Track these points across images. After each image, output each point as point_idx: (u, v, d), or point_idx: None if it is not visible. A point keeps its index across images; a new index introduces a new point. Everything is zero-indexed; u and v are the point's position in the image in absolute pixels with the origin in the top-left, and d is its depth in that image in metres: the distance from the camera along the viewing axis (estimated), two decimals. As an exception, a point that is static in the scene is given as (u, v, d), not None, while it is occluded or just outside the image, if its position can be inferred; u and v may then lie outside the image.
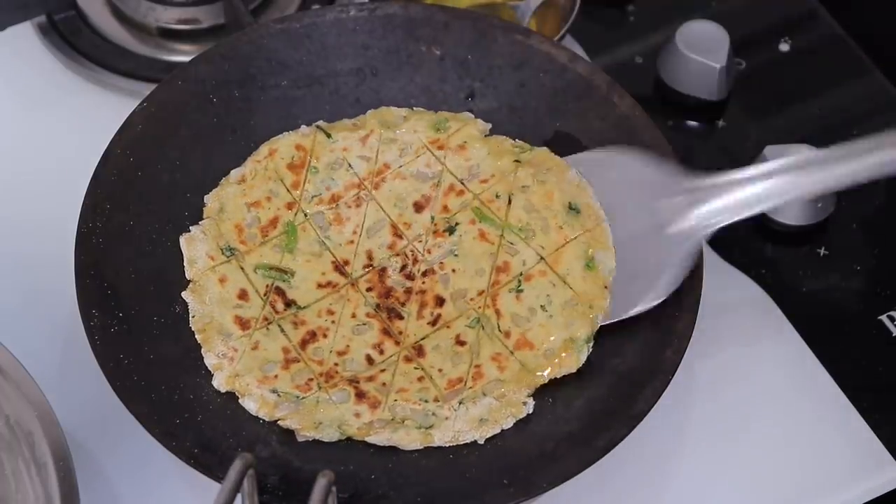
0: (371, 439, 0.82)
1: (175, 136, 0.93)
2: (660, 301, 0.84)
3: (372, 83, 0.97)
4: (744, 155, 1.02)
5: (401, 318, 0.87)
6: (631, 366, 0.84)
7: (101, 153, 0.90)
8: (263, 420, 0.84)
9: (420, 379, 0.85)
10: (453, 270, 0.89)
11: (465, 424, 0.83)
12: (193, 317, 0.87)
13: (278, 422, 0.83)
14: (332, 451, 0.83)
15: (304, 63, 0.96)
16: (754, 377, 0.93)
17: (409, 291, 0.88)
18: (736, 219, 0.86)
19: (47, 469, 0.78)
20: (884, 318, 0.96)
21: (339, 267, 0.90)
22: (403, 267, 0.89)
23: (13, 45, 1.09)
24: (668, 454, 0.89)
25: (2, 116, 1.05)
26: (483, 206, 0.91)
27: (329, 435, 0.83)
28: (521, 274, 0.88)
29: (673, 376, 0.82)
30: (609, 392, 0.84)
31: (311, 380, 0.85)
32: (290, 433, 0.83)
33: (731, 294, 0.96)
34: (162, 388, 0.83)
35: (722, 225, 0.85)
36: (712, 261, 0.97)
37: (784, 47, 1.11)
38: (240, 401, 0.84)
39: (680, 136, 1.05)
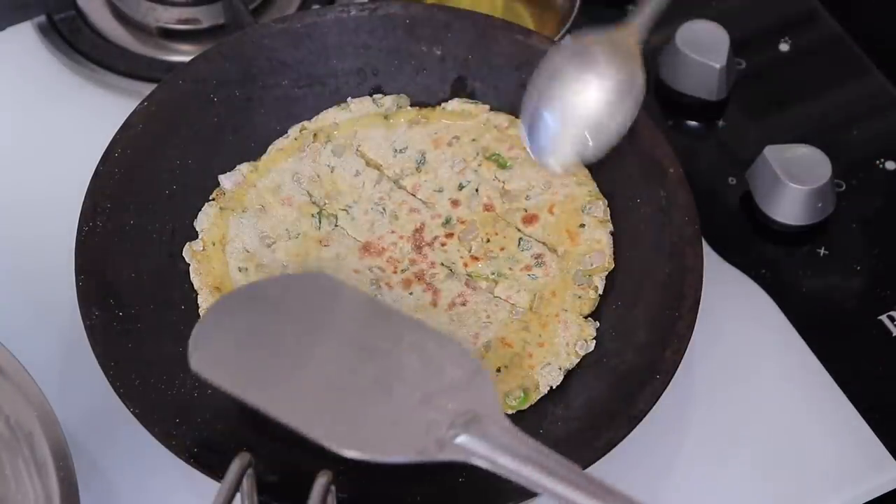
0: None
1: (175, 135, 0.93)
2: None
3: (372, 83, 0.97)
4: (744, 155, 1.02)
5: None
6: (631, 366, 0.84)
7: (101, 153, 0.90)
8: (262, 419, 0.84)
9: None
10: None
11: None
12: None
13: None
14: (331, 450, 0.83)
15: (305, 63, 0.96)
16: (754, 377, 0.93)
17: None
18: None
19: (47, 469, 0.78)
20: (884, 318, 0.96)
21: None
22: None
23: (13, 45, 1.09)
24: (668, 454, 0.89)
25: (2, 116, 1.05)
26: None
27: None
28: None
29: (673, 376, 0.82)
30: (609, 392, 0.84)
31: None
32: (289, 432, 0.83)
33: (731, 294, 0.96)
34: (162, 388, 0.83)
35: None
36: (712, 261, 0.97)
37: (784, 47, 1.11)
38: None
39: (680, 136, 1.05)
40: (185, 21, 1.08)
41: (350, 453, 0.74)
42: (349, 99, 0.96)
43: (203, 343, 0.79)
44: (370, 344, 0.79)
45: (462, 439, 0.73)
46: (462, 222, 0.92)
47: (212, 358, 0.78)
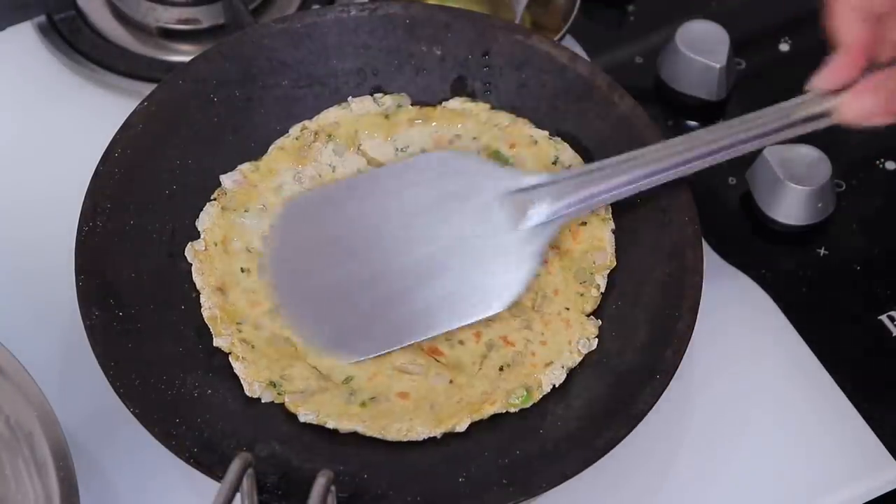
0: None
1: (175, 135, 0.93)
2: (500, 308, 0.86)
3: (372, 83, 0.97)
4: (744, 155, 1.02)
5: None
6: (631, 366, 0.84)
7: (101, 153, 0.90)
8: (262, 420, 0.84)
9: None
10: None
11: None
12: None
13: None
14: (331, 450, 0.83)
15: (305, 63, 0.96)
16: (754, 377, 0.93)
17: None
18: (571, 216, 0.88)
19: (47, 469, 0.78)
20: (884, 318, 0.96)
21: None
22: None
23: (13, 45, 1.09)
24: (668, 454, 0.89)
25: (2, 116, 1.05)
26: None
27: None
28: None
29: (673, 376, 0.82)
30: (609, 392, 0.84)
31: None
32: (289, 432, 0.84)
33: (731, 294, 0.96)
34: (162, 388, 0.83)
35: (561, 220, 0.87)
36: (712, 261, 0.97)
37: (784, 47, 1.11)
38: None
39: (680, 137, 1.05)
40: (185, 21, 1.08)
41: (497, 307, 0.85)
42: (350, 98, 0.96)
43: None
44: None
45: (536, 210, 0.86)
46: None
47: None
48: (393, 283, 0.87)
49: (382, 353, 0.86)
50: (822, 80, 0.79)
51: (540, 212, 0.86)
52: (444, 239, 0.87)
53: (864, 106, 0.78)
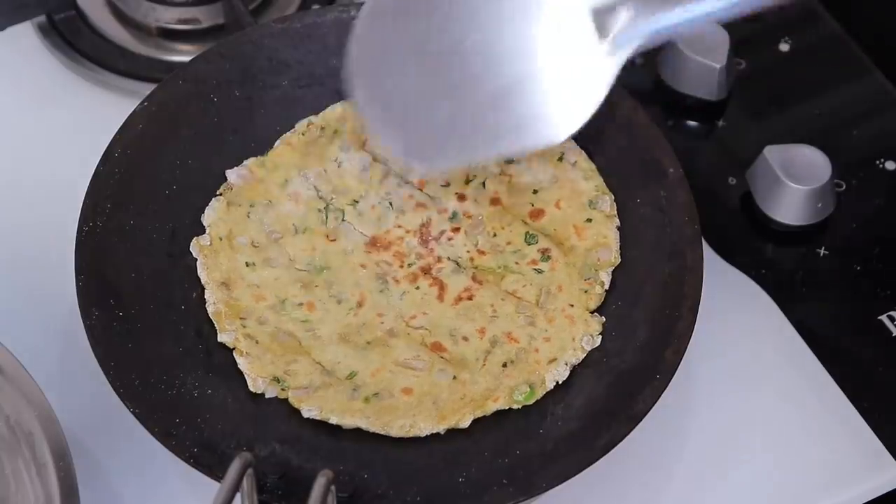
0: None
1: (175, 136, 0.93)
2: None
3: (372, 83, 0.97)
4: (744, 155, 1.02)
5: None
6: (631, 366, 0.84)
7: (101, 153, 0.90)
8: (262, 419, 0.84)
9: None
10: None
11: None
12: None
13: None
14: (331, 450, 0.83)
15: (305, 63, 0.96)
16: (754, 377, 0.93)
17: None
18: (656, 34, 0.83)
19: (47, 469, 0.78)
20: (884, 318, 0.96)
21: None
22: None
23: (13, 45, 1.09)
24: (668, 454, 0.89)
25: (2, 116, 1.05)
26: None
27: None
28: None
29: (673, 376, 0.82)
30: (609, 392, 0.84)
31: None
32: (289, 432, 0.84)
33: (731, 294, 0.96)
34: (162, 388, 0.83)
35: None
36: (712, 261, 0.97)
37: (784, 47, 1.11)
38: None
39: (680, 136, 1.05)
40: (185, 21, 1.08)
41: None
42: None
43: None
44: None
45: (621, 20, 0.81)
46: (468, 217, 0.92)
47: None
48: (469, 97, 0.84)
49: (453, 165, 0.86)
50: None
51: (623, 24, 0.81)
52: (522, 52, 0.83)
53: None
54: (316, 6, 1.07)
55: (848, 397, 0.92)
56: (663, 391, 0.81)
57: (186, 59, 0.98)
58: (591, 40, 0.82)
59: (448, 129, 0.84)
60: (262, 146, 0.95)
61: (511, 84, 0.83)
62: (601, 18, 0.81)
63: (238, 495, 0.73)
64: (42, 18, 1.09)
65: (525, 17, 0.83)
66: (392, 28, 0.85)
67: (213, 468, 0.79)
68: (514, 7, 0.83)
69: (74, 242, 0.86)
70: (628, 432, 0.80)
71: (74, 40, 1.07)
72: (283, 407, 0.85)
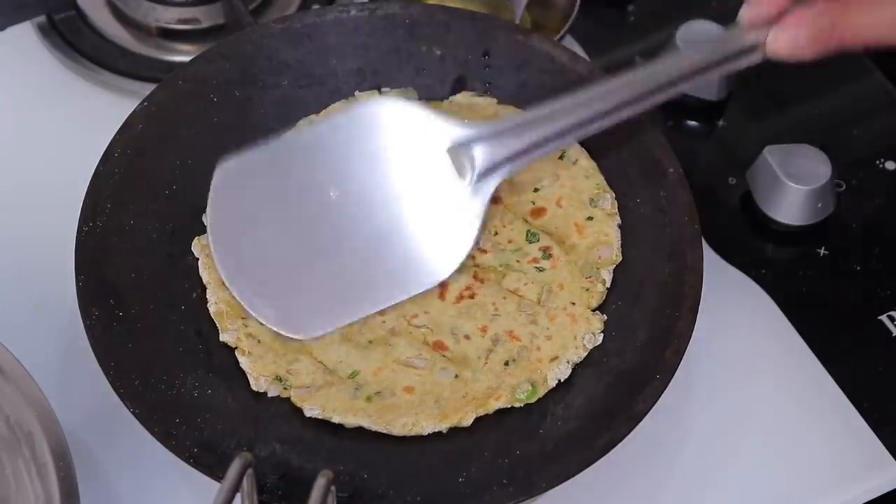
0: None
1: (175, 136, 0.93)
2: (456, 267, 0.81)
3: (372, 83, 0.97)
4: (744, 155, 1.02)
5: None
6: (631, 366, 0.84)
7: (101, 153, 0.90)
8: (262, 419, 0.84)
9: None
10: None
11: None
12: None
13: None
14: (332, 450, 0.83)
15: (305, 63, 0.96)
16: (754, 377, 0.93)
17: None
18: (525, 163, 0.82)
19: (47, 469, 0.78)
20: (884, 318, 0.96)
21: None
22: None
23: (13, 45, 1.09)
24: (668, 454, 0.89)
25: (2, 116, 1.05)
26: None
27: None
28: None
29: (673, 376, 0.82)
30: (609, 392, 0.84)
31: None
32: (289, 432, 0.84)
33: (731, 294, 0.96)
34: (162, 388, 0.83)
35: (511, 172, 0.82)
36: (712, 261, 0.97)
37: (784, 47, 1.11)
38: None
39: (680, 136, 1.05)
40: (185, 21, 1.08)
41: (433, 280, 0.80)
42: (356, 93, 0.96)
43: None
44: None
45: (478, 158, 0.80)
46: None
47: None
48: (338, 254, 0.82)
49: (330, 331, 0.83)
50: (751, 12, 0.77)
51: (482, 161, 0.80)
52: (387, 200, 0.82)
53: (794, 38, 0.76)
54: (316, 6, 1.07)
55: (848, 397, 0.92)
56: (663, 391, 0.81)
57: (186, 59, 0.98)
58: (453, 181, 0.81)
59: (320, 291, 0.82)
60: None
61: (380, 234, 0.82)
62: (458, 159, 0.81)
63: (238, 495, 0.73)
64: (42, 18, 1.09)
65: (385, 165, 0.82)
66: (250, 190, 0.83)
67: (214, 468, 0.79)
68: (372, 155, 0.82)
69: (74, 242, 0.86)
70: (628, 432, 0.80)
71: (74, 40, 1.07)
72: (284, 407, 0.85)
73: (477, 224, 0.81)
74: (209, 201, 0.83)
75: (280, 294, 0.82)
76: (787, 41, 0.77)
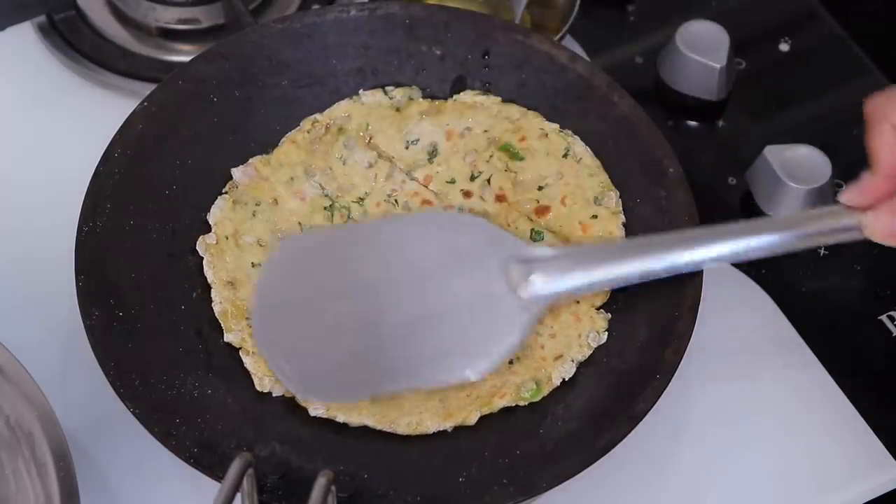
0: None
1: (175, 136, 0.93)
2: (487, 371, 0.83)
3: (372, 82, 0.97)
4: (744, 155, 1.02)
5: None
6: (631, 366, 0.84)
7: (101, 153, 0.90)
8: (263, 419, 0.84)
9: None
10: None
11: None
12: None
13: None
14: (332, 451, 0.83)
15: (305, 63, 0.96)
16: (754, 377, 0.93)
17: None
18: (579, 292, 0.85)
19: (47, 469, 0.78)
20: (884, 318, 0.96)
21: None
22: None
23: (13, 45, 1.09)
24: (668, 454, 0.89)
25: (2, 116, 1.05)
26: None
27: None
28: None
29: (673, 376, 0.82)
30: (609, 392, 0.84)
31: None
32: (289, 432, 0.84)
33: (731, 294, 0.96)
34: (162, 388, 0.83)
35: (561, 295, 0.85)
36: (712, 261, 0.97)
37: (784, 47, 1.11)
38: None
39: (680, 136, 1.05)
40: (185, 21, 1.08)
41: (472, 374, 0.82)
42: (360, 91, 0.96)
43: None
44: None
45: (536, 282, 0.83)
46: (474, 213, 0.92)
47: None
48: (378, 334, 0.84)
49: (353, 401, 0.84)
50: (851, 195, 0.78)
51: (540, 285, 0.83)
52: (437, 297, 0.84)
53: (891, 227, 0.77)
54: (316, 6, 1.07)
55: (848, 397, 0.92)
56: (663, 391, 0.81)
57: (186, 59, 0.98)
58: (505, 293, 0.83)
59: (346, 364, 0.84)
60: (262, 146, 0.95)
61: (422, 322, 0.84)
62: (514, 281, 0.83)
63: (238, 495, 0.73)
64: (42, 18, 1.09)
65: (443, 263, 0.85)
66: (303, 263, 0.87)
67: (214, 468, 0.79)
68: (432, 255, 0.86)
69: (74, 242, 0.86)
70: (628, 432, 0.80)
71: (74, 40, 1.07)
72: (284, 407, 0.85)
73: (521, 334, 0.83)
74: (262, 270, 0.88)
75: (305, 358, 0.84)
76: (885, 228, 0.78)
